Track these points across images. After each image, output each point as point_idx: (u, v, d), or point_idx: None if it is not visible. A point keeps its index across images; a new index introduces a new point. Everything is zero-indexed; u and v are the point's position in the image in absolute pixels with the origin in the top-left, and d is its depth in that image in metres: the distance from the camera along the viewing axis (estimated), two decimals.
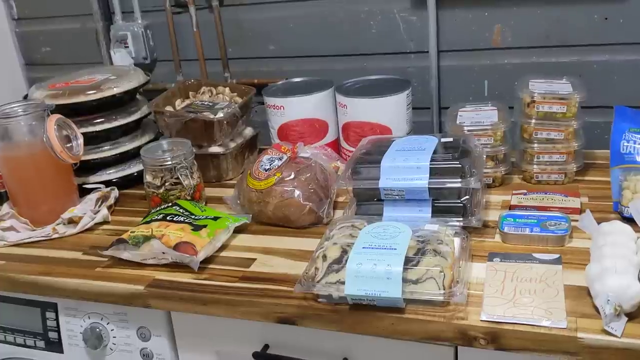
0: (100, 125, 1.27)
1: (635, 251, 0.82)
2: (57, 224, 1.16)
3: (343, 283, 0.83)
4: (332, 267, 0.85)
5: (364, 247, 0.86)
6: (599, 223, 0.89)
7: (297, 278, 0.89)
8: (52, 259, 1.07)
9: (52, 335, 1.08)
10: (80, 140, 1.19)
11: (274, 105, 1.30)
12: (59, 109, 1.20)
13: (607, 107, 1.26)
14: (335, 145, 1.33)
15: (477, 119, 1.14)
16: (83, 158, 1.21)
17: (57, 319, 1.07)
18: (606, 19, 1.26)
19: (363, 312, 0.83)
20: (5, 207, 1.20)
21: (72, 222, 1.16)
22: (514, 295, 0.82)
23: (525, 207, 1.03)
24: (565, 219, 0.96)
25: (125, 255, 1.01)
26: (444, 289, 0.80)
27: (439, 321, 0.80)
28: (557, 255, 0.90)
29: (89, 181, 1.28)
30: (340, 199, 1.16)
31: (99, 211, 1.19)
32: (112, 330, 1.03)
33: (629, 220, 0.91)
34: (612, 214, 1.00)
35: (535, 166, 1.13)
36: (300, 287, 0.86)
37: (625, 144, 0.98)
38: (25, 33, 1.77)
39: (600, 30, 1.27)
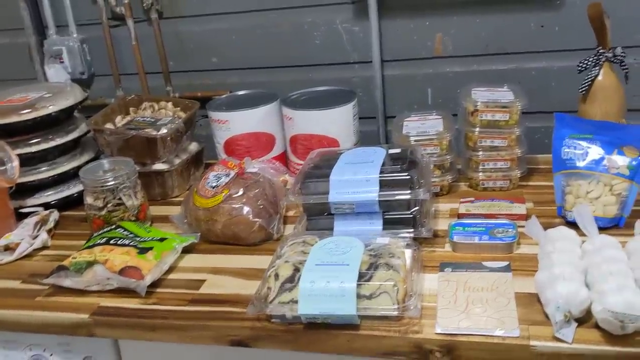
0: (37, 146, 1.22)
1: (581, 256, 0.84)
2: None
3: (296, 302, 0.81)
4: (285, 286, 0.84)
5: (316, 264, 0.85)
6: (545, 229, 0.91)
7: (249, 298, 0.87)
8: None
9: None
10: (16, 163, 1.13)
11: (219, 120, 1.27)
12: None
13: (546, 113, 1.29)
14: (283, 159, 1.31)
15: (423, 128, 1.15)
16: (19, 180, 1.16)
17: None
18: (542, 26, 1.29)
19: (318, 331, 0.82)
20: None
21: (8, 248, 1.11)
22: (466, 305, 0.82)
23: (474, 215, 1.04)
24: (512, 225, 0.98)
25: (67, 282, 0.97)
26: (398, 303, 0.80)
27: (394, 336, 0.79)
28: (506, 263, 0.91)
29: (26, 204, 1.22)
30: (290, 214, 1.14)
31: (37, 236, 1.13)
32: None
33: (573, 225, 0.93)
34: (556, 218, 1.02)
35: (480, 173, 1.14)
36: (252, 309, 0.84)
37: (566, 150, 1.00)
38: None
39: (537, 38, 1.30)
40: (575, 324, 0.75)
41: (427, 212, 1.01)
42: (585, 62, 1.11)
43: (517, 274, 0.89)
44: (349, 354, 0.82)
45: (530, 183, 1.17)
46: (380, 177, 0.96)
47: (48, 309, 0.94)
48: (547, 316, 0.78)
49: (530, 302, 0.82)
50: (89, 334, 0.92)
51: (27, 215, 1.19)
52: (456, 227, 0.99)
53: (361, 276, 0.82)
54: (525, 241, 0.96)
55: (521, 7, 1.28)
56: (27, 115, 1.19)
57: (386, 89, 1.40)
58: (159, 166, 1.25)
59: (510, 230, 0.96)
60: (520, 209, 1.05)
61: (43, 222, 1.18)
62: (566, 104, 1.24)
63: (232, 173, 1.10)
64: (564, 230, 0.89)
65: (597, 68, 1.10)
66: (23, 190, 1.22)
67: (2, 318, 0.95)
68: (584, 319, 0.77)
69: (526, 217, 1.02)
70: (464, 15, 1.32)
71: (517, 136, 1.12)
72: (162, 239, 1.02)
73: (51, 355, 0.99)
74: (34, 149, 1.22)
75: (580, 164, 0.99)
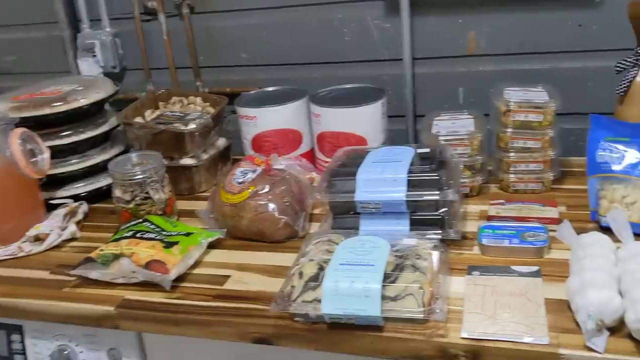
0: (67, 138, 1.23)
1: (615, 263, 0.81)
2: (23, 242, 1.12)
3: (320, 301, 0.80)
4: (309, 284, 0.83)
5: (341, 264, 0.83)
6: (577, 233, 0.89)
7: (272, 296, 0.86)
8: (18, 279, 1.03)
9: (18, 358, 1.03)
10: (46, 155, 1.14)
11: (247, 116, 1.27)
12: (24, 122, 1.16)
13: (581, 114, 1.26)
14: (310, 156, 1.31)
15: (453, 128, 1.13)
16: (49, 172, 1.17)
17: (23, 342, 1.03)
18: (580, 25, 1.26)
19: (341, 331, 0.81)
20: None
21: (38, 239, 1.12)
22: (494, 310, 0.80)
23: (503, 218, 1.02)
24: (543, 229, 0.95)
25: (94, 274, 0.97)
26: (424, 306, 0.78)
27: (419, 339, 0.78)
28: (536, 268, 0.88)
29: (55, 196, 1.23)
30: (316, 211, 1.13)
31: (66, 227, 1.15)
32: (81, 352, 0.99)
33: (607, 230, 0.90)
34: (590, 223, 0.99)
35: (512, 175, 1.12)
36: (276, 307, 0.83)
37: (601, 153, 0.97)
38: None
39: (574, 37, 1.27)
40: (607, 333, 0.73)
41: (456, 214, 0.99)
42: (624, 62, 1.08)
43: (548, 279, 0.86)
44: (372, 355, 0.81)
45: (563, 186, 1.14)
46: (408, 176, 0.94)
47: (75, 300, 0.95)
48: (577, 324, 0.75)
49: (561, 309, 0.80)
50: (114, 326, 0.93)
51: (56, 206, 1.20)
52: (485, 230, 0.96)
53: (386, 277, 0.80)
54: (556, 246, 0.93)
55: (558, 5, 1.25)
56: (59, 107, 1.21)
57: (416, 87, 1.38)
58: (186, 161, 1.25)
59: (541, 234, 0.94)
60: (552, 212, 1.02)
61: (72, 213, 1.19)
62: (602, 105, 1.21)
63: (259, 169, 1.10)
64: (598, 235, 0.86)
65: (636, 69, 1.07)
66: (53, 182, 1.23)
67: (30, 308, 0.96)
68: (617, 328, 0.74)
69: (558, 221, 0.99)
70: (499, 13, 1.29)
71: (550, 138, 1.10)
72: (188, 234, 1.02)
73: (77, 345, 0.99)
74: (64, 141, 1.23)
75: (616, 167, 0.96)
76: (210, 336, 0.88)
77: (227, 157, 1.36)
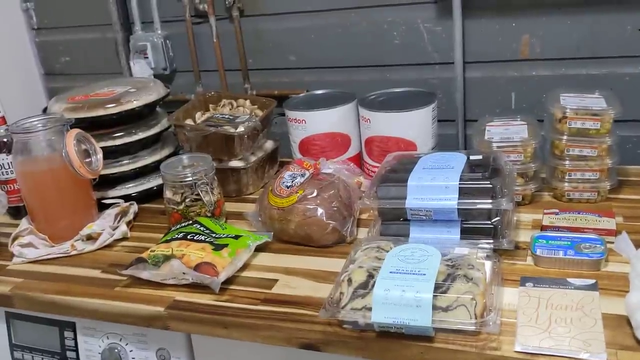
0: (120, 139, 1.26)
1: None
2: (76, 240, 1.14)
3: (369, 309, 0.80)
4: (358, 292, 0.82)
5: (390, 272, 0.82)
6: (636, 246, 0.86)
7: (320, 301, 0.86)
8: (71, 277, 1.06)
9: (71, 355, 1.06)
10: (100, 155, 1.17)
11: (296, 119, 1.27)
12: (78, 122, 1.18)
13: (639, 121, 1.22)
14: (358, 160, 1.30)
15: (507, 134, 1.10)
16: (102, 172, 1.19)
17: (75, 339, 1.05)
18: (639, 30, 1.21)
19: (390, 340, 0.80)
20: (24, 223, 1.18)
21: (90, 238, 1.14)
22: (549, 324, 0.78)
23: (558, 228, 0.99)
24: (600, 241, 0.92)
25: (145, 275, 0.99)
26: (476, 318, 0.77)
27: (471, 351, 0.76)
28: (593, 281, 0.86)
29: (107, 196, 1.26)
30: (364, 217, 1.13)
31: (117, 227, 1.17)
32: (130, 351, 1.01)
33: None
34: None
35: (566, 184, 1.09)
36: (324, 313, 0.83)
37: None
38: (44, 43, 1.76)
39: (633, 42, 1.22)
40: None
41: (509, 223, 0.97)
42: None
43: (605, 293, 0.83)
44: None
45: (620, 196, 1.10)
46: (460, 184, 0.93)
47: (126, 300, 0.96)
48: (638, 341, 0.73)
49: (620, 324, 0.77)
50: (164, 326, 0.94)
51: (108, 206, 1.23)
52: (539, 240, 0.94)
53: (437, 287, 0.79)
54: (614, 258, 0.90)
55: (617, 8, 1.21)
56: (112, 109, 1.23)
57: (467, 91, 1.36)
58: (235, 163, 1.26)
59: (598, 246, 0.91)
60: (609, 223, 0.99)
61: (123, 213, 1.21)
62: None
63: (307, 173, 1.10)
64: None
65: None
66: (105, 182, 1.26)
67: (83, 306, 0.99)
68: None
69: (616, 232, 0.96)
70: (554, 16, 1.26)
71: (608, 146, 1.06)
72: (236, 237, 1.02)
73: (127, 344, 1.01)
74: (117, 142, 1.25)
75: None
76: (257, 340, 0.88)
77: (275, 160, 1.36)
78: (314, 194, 1.06)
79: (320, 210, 1.04)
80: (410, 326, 0.78)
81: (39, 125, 1.12)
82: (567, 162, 1.08)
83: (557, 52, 1.28)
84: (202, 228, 1.04)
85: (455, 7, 1.29)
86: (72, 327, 1.05)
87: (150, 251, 1.00)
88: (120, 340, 1.01)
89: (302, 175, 1.10)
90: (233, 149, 1.23)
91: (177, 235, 1.02)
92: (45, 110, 1.31)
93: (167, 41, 1.58)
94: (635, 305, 0.75)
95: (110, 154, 1.25)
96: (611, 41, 1.24)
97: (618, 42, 1.23)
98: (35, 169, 1.14)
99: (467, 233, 0.94)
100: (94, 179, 1.18)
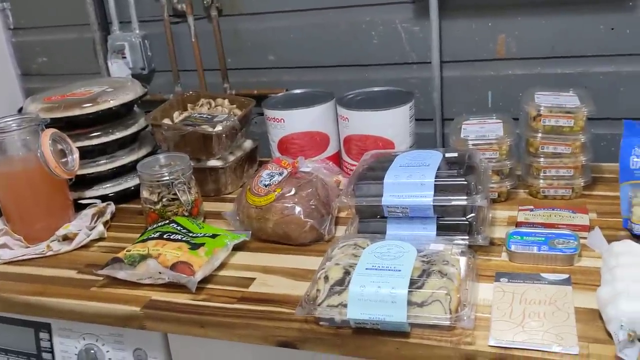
0: (97, 139, 1.25)
1: None
2: (52, 241, 1.13)
3: (345, 306, 0.80)
4: (334, 289, 0.82)
5: (367, 268, 0.83)
6: (609, 241, 0.87)
7: (297, 299, 0.86)
8: (46, 278, 1.05)
9: (46, 356, 1.05)
10: (76, 155, 1.16)
11: (274, 118, 1.27)
12: (54, 122, 1.17)
13: (614, 119, 1.24)
14: (337, 159, 1.30)
15: (482, 132, 1.11)
16: (78, 172, 1.19)
17: (51, 340, 1.04)
18: (612, 29, 1.23)
19: (366, 336, 0.81)
20: None
21: (67, 238, 1.14)
22: (522, 318, 0.79)
23: (532, 224, 1.00)
24: (574, 236, 0.93)
25: (121, 274, 0.98)
26: (451, 313, 0.77)
27: (446, 346, 0.77)
28: (566, 276, 0.87)
29: (84, 196, 1.25)
30: (342, 215, 1.13)
31: (94, 227, 1.16)
32: (107, 352, 1.00)
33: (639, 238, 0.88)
34: (621, 231, 0.97)
35: (541, 181, 1.10)
36: (301, 310, 0.83)
37: (635, 159, 0.95)
38: (21, 43, 1.74)
39: (607, 41, 1.24)
40: (639, 344, 0.71)
41: (484, 219, 0.98)
42: None
43: (578, 287, 0.84)
44: None
45: (594, 193, 1.11)
46: (435, 181, 0.93)
47: (102, 300, 0.96)
48: (609, 334, 0.74)
49: (592, 318, 0.78)
50: (140, 326, 0.93)
51: (85, 206, 1.22)
52: (514, 236, 0.95)
53: (413, 283, 0.79)
54: (587, 254, 0.91)
55: (591, 8, 1.23)
56: (89, 108, 1.22)
57: (444, 90, 1.37)
58: (213, 162, 1.26)
59: (571, 241, 0.92)
60: (582, 219, 1.00)
61: (100, 214, 1.20)
62: (635, 110, 1.19)
63: (285, 172, 1.10)
64: (630, 244, 0.84)
65: None
66: (82, 182, 1.25)
67: (58, 307, 0.98)
68: None
69: (589, 228, 0.97)
70: (530, 16, 1.27)
71: (582, 143, 1.08)
72: (214, 236, 1.02)
73: (103, 345, 1.00)
74: (94, 142, 1.24)
75: None
76: (234, 339, 0.88)
77: (254, 159, 1.36)
78: (292, 193, 1.06)
79: (298, 209, 1.04)
80: (386, 322, 0.78)
81: (14, 125, 1.11)
82: (541, 160, 1.09)
83: (532, 51, 1.29)
84: (178, 227, 1.04)
85: (432, 8, 1.30)
86: (48, 328, 1.04)
87: (127, 251, 0.99)
88: (97, 340, 1.01)
89: (280, 174, 1.10)
90: (211, 148, 1.23)
91: (153, 235, 1.02)
92: (20, 110, 1.29)
93: (145, 41, 1.57)
94: (606, 299, 0.76)
95: (87, 153, 1.24)
96: (585, 40, 1.25)
97: (592, 42, 1.25)
98: (10, 170, 1.13)
99: (443, 229, 0.94)
100: (70, 179, 1.17)
